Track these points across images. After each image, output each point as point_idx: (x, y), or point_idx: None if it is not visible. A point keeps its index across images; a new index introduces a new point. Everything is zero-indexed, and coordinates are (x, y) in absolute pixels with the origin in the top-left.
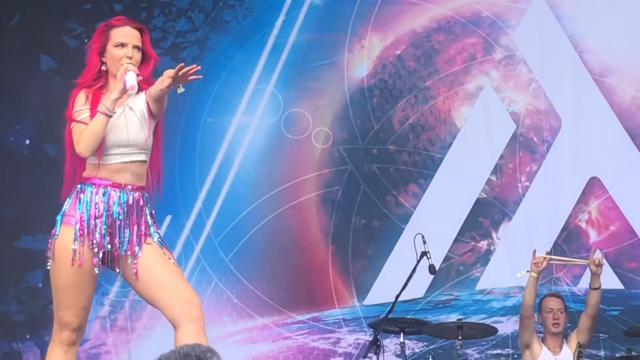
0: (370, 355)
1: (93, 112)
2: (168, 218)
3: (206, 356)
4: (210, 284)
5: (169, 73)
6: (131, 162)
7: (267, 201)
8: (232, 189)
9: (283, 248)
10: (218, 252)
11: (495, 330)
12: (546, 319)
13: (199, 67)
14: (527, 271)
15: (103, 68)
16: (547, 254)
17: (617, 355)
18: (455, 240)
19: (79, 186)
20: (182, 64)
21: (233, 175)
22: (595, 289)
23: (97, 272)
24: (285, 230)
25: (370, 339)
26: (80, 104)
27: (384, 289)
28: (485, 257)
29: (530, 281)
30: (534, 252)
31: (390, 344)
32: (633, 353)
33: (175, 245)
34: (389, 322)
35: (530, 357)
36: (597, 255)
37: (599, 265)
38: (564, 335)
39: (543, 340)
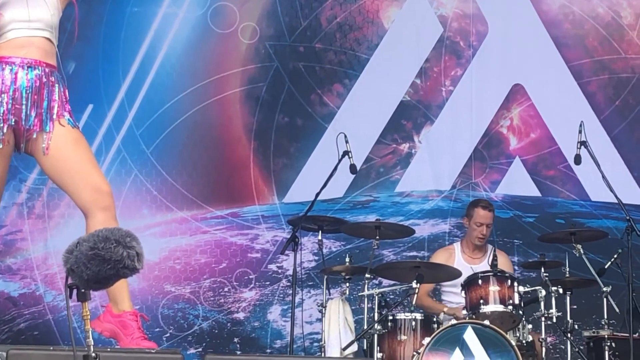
0: (287, 252)
1: None
2: (89, 107)
3: (125, 240)
4: (130, 175)
5: None
6: (35, 37)
7: (191, 94)
8: (156, 80)
9: (205, 142)
10: (139, 144)
11: (412, 232)
12: (473, 231)
13: None
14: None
15: None
16: None
17: (530, 260)
18: (377, 142)
19: None
20: None
21: (157, 66)
22: None
23: (1, 146)
24: (208, 124)
25: (289, 236)
26: None
27: (304, 187)
28: (405, 160)
29: (438, 311)
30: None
31: (308, 242)
32: (546, 259)
33: (96, 135)
34: (308, 219)
35: None
36: None
37: None
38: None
39: (461, 244)
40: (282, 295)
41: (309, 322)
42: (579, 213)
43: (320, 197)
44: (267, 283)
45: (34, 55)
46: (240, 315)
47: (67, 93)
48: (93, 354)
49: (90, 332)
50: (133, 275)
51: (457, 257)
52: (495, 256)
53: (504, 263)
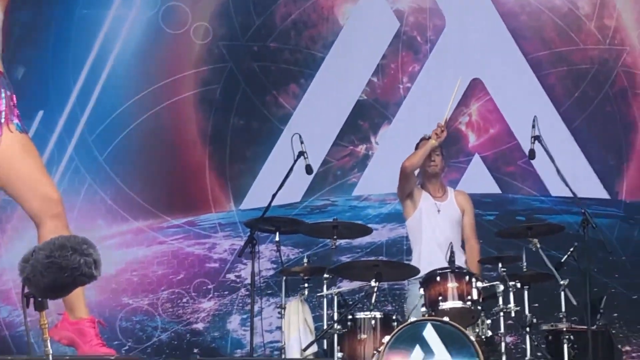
0: (245, 261)
1: None
2: (40, 113)
3: (82, 248)
4: (84, 184)
5: None
6: None
7: (143, 99)
8: (107, 84)
9: (159, 148)
10: (92, 151)
11: (369, 230)
12: (424, 161)
13: None
14: (429, 137)
15: None
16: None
17: (488, 256)
18: (334, 144)
19: None
20: None
21: (108, 70)
22: None
23: None
24: (162, 129)
25: None
26: None
27: (261, 193)
28: (363, 162)
29: (428, 146)
30: (438, 123)
31: (266, 250)
32: (504, 254)
33: (48, 143)
34: (265, 221)
35: (412, 205)
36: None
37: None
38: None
39: (422, 185)
40: (241, 305)
41: (269, 330)
42: (540, 209)
43: (277, 202)
44: (226, 292)
45: None
46: (200, 326)
47: (14, 98)
48: None
49: (48, 340)
50: (90, 285)
51: (424, 193)
52: (452, 253)
53: (464, 201)
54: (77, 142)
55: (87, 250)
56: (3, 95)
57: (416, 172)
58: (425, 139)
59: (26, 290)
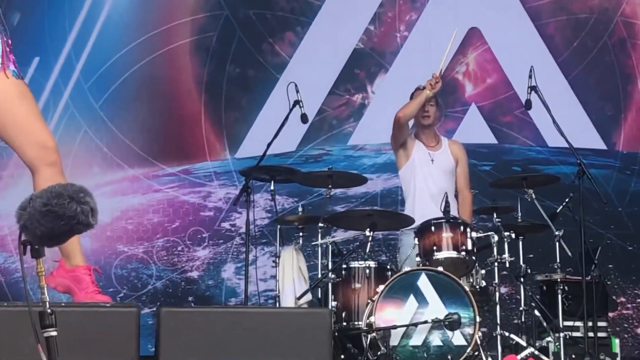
0: (240, 209)
1: None
2: (36, 60)
3: (79, 196)
4: (80, 131)
5: None
6: None
7: (139, 46)
8: (103, 31)
9: (155, 96)
10: (88, 98)
11: (364, 180)
12: (417, 112)
13: None
14: (424, 87)
15: None
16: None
17: (483, 206)
18: (330, 93)
19: None
20: None
21: (104, 16)
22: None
23: None
24: (157, 77)
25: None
26: None
27: (257, 141)
28: (359, 112)
29: (422, 96)
30: (433, 73)
31: (261, 199)
32: (498, 204)
33: (43, 90)
34: (260, 169)
35: (405, 155)
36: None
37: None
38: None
39: (416, 135)
40: (235, 253)
41: (263, 279)
42: (536, 159)
43: (272, 151)
44: (221, 241)
45: None
46: (194, 274)
47: (10, 43)
48: (49, 310)
49: (45, 288)
50: (86, 232)
51: (417, 142)
52: (447, 202)
53: (458, 151)
54: (72, 88)
55: (84, 199)
56: (1, 41)
57: (410, 122)
58: (420, 89)
59: (23, 237)
